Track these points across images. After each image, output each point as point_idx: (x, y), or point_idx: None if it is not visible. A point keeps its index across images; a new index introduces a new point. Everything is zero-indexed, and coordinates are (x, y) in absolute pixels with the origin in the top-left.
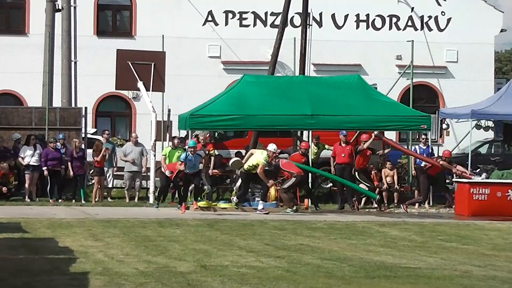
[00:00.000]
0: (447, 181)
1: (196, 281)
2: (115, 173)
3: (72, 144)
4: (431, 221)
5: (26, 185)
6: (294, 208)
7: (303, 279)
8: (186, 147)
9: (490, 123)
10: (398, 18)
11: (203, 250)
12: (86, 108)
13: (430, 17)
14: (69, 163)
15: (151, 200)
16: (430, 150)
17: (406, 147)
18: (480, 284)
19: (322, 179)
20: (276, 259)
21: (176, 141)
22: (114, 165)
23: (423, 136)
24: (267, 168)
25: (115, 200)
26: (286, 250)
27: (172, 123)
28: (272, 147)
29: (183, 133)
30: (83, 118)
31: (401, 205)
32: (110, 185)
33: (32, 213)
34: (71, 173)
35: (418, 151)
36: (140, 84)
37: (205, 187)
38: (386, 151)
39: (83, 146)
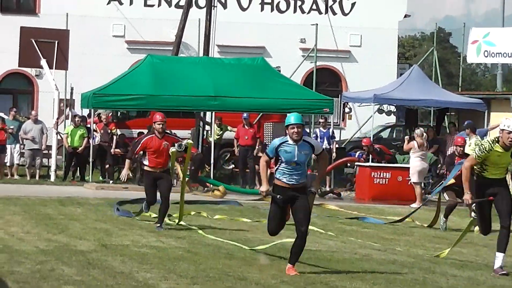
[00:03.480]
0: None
1: (97, 260)
2: (22, 151)
3: None
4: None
5: None
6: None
7: (204, 260)
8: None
9: (393, 108)
10: (302, 1)
11: (104, 229)
12: None
13: (334, 1)
14: None
15: (53, 178)
16: (330, 133)
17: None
18: (379, 267)
19: (224, 160)
20: (177, 239)
21: (77, 119)
22: (21, 142)
23: (322, 120)
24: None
25: (16, 178)
26: (187, 231)
27: (75, 101)
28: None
29: (85, 112)
30: None
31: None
32: (16, 162)
33: None
34: None
35: (318, 134)
36: (43, 62)
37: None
38: None
39: None
